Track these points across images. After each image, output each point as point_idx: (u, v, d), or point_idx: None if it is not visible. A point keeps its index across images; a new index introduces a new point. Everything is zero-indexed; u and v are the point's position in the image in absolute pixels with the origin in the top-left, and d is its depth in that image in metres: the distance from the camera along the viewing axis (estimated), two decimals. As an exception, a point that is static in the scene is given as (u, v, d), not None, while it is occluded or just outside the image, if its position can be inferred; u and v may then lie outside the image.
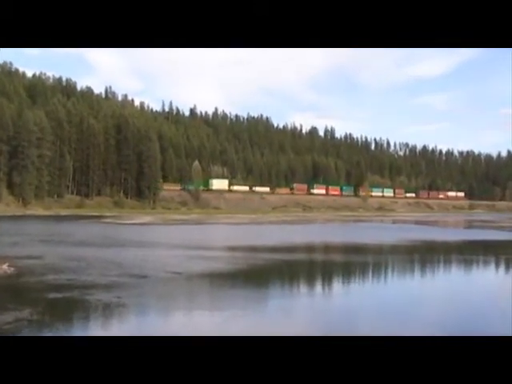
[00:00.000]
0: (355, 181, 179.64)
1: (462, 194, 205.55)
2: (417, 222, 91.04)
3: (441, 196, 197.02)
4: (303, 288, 21.34)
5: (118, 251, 31.34)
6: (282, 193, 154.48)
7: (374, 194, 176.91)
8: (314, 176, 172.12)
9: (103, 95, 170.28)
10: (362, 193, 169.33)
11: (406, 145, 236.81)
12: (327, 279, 24.04)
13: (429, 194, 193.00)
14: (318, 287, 21.46)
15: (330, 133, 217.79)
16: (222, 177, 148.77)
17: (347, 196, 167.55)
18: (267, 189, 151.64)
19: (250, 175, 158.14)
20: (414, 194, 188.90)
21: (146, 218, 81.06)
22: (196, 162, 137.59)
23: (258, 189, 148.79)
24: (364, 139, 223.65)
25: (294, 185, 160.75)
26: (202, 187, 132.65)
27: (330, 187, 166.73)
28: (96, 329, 13.43)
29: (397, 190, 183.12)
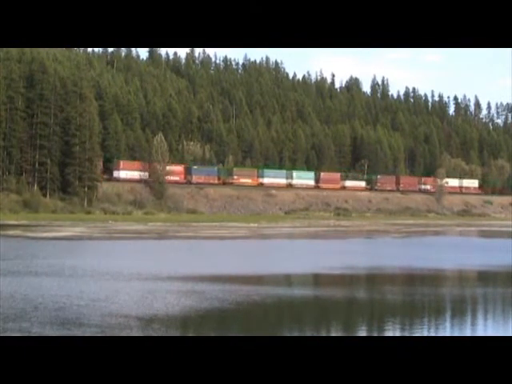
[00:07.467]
0: (423, 166, 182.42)
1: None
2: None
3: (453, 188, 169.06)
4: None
5: (30, 282, 32.55)
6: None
7: (265, 180, 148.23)
8: (355, 158, 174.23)
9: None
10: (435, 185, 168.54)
11: (509, 107, 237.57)
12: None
13: (398, 182, 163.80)
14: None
15: (380, 88, 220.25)
16: (202, 158, 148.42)
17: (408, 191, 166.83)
18: None
19: (249, 157, 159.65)
20: (363, 183, 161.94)
21: (77, 229, 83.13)
22: (159, 136, 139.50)
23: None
24: (437, 98, 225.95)
25: None
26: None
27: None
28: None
29: (324, 176, 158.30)
